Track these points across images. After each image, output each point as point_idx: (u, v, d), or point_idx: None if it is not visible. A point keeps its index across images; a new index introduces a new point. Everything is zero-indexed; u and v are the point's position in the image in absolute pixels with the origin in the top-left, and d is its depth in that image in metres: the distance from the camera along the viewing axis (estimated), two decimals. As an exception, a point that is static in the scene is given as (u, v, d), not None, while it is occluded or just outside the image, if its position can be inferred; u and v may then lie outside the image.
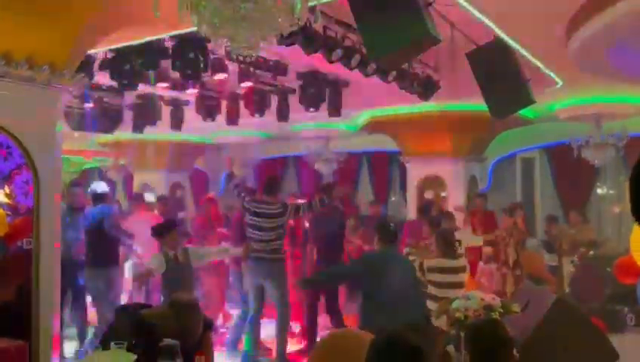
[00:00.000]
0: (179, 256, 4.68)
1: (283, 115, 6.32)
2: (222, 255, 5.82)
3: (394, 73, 4.90)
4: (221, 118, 6.57)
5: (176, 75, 4.88)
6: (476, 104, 5.67)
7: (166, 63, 4.76)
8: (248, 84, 5.64)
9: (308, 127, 9.15)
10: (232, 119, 6.59)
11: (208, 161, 11.77)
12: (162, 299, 4.70)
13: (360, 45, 4.20)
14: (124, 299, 6.12)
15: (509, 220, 6.77)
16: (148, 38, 4.42)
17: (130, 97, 6.55)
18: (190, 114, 6.76)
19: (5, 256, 3.28)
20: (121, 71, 4.76)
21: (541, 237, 8.51)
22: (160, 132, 7.88)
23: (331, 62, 4.27)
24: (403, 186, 9.63)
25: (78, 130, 6.72)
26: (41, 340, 3.29)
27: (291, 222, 6.11)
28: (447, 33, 4.01)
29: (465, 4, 3.81)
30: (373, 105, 7.80)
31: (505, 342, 2.24)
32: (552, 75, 5.67)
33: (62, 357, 4.73)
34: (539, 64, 5.22)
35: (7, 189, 3.29)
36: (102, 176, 11.72)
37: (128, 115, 6.86)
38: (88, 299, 5.59)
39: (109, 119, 6.66)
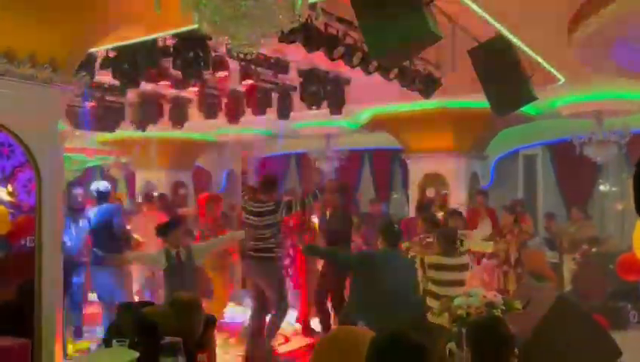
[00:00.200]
0: (181, 255, 4.70)
1: (284, 112, 6.31)
2: (227, 242, 5.78)
3: (395, 70, 4.89)
4: (223, 115, 6.58)
5: (177, 72, 4.88)
6: (478, 101, 5.68)
7: (167, 62, 4.76)
8: (249, 81, 5.64)
9: (309, 124, 9.15)
10: (234, 117, 6.59)
11: (210, 159, 11.78)
12: (164, 297, 4.72)
13: (361, 43, 4.20)
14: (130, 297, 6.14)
15: (509, 217, 6.76)
16: (149, 37, 4.42)
17: (131, 95, 6.56)
18: (192, 112, 6.76)
19: (8, 254, 3.29)
20: (122, 69, 4.76)
21: (543, 234, 8.51)
22: (162, 130, 7.89)
23: (333, 59, 4.26)
24: (405, 184, 9.62)
25: (79, 129, 6.73)
26: (43, 338, 3.30)
27: (298, 219, 6.09)
28: (449, 30, 4.00)
29: (466, 0, 3.79)
30: (374, 103, 7.79)
31: (506, 340, 2.24)
32: (553, 71, 5.66)
33: (65, 354, 4.74)
34: (540, 61, 5.21)
35: (9, 187, 3.30)
36: (103, 174, 11.74)
37: (130, 113, 6.87)
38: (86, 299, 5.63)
39: (110, 117, 6.67)
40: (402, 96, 5.86)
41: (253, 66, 5.27)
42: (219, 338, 5.77)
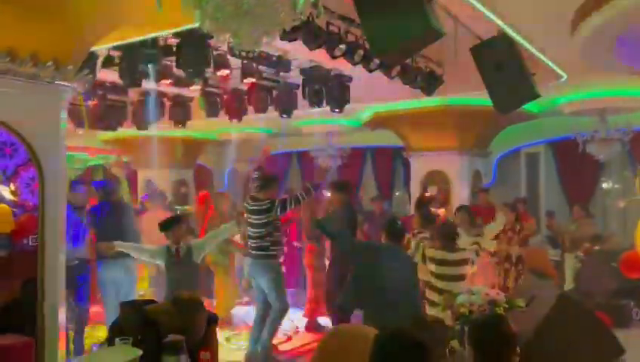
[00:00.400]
0: (181, 251, 4.73)
1: (286, 110, 6.31)
2: (223, 235, 5.76)
3: (397, 68, 4.88)
4: (224, 114, 6.58)
5: (179, 71, 4.88)
6: (480, 98, 5.67)
7: (169, 60, 4.75)
8: (251, 80, 5.63)
9: (311, 123, 9.14)
10: (235, 115, 6.58)
11: (211, 157, 11.79)
12: (166, 295, 4.73)
13: (363, 40, 4.19)
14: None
15: (510, 215, 6.75)
16: (151, 35, 4.41)
17: (133, 94, 6.56)
18: (193, 110, 6.76)
19: (11, 252, 3.30)
20: (124, 68, 4.76)
21: (545, 232, 8.50)
22: (163, 128, 7.89)
23: (334, 57, 4.25)
24: (407, 181, 9.62)
25: (81, 127, 6.73)
26: (47, 336, 3.31)
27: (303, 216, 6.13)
28: (451, 27, 3.99)
29: (469, -2, 3.79)
30: (376, 101, 7.79)
31: (509, 338, 2.24)
32: (556, 68, 5.64)
33: (68, 352, 4.75)
34: (543, 58, 5.19)
35: (12, 186, 3.30)
36: (106, 172, 11.77)
37: (132, 112, 6.87)
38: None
39: (112, 116, 6.67)
40: (404, 93, 5.85)
41: (254, 64, 5.27)
42: (223, 337, 5.81)
